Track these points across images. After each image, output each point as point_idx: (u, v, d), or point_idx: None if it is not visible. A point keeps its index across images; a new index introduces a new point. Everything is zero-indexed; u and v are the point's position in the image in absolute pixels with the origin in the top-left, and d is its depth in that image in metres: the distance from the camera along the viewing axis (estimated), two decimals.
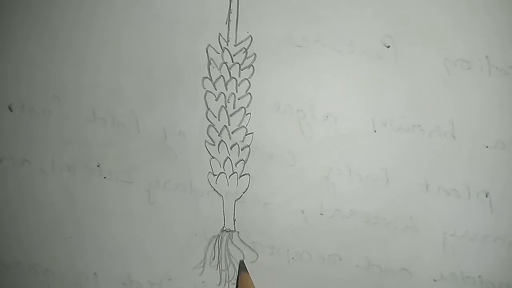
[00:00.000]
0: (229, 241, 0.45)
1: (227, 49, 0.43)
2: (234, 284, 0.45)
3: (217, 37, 0.43)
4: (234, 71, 0.44)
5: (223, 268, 0.45)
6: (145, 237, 0.45)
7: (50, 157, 0.45)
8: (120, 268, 0.45)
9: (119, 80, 0.44)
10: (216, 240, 0.45)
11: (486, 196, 0.42)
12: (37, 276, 0.46)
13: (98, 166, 0.45)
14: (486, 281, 0.43)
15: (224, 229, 0.45)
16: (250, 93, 0.44)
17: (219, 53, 0.43)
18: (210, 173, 0.44)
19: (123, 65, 0.44)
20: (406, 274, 0.44)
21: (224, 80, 0.44)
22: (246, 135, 0.44)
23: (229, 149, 0.44)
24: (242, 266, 0.45)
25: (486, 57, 0.42)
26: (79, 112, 0.44)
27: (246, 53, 0.43)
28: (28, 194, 0.45)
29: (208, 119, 0.44)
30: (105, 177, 0.45)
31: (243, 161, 0.44)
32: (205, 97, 0.44)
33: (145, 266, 0.45)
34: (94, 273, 0.46)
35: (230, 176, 0.44)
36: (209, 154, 0.44)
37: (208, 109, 0.44)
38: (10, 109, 0.45)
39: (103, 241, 0.45)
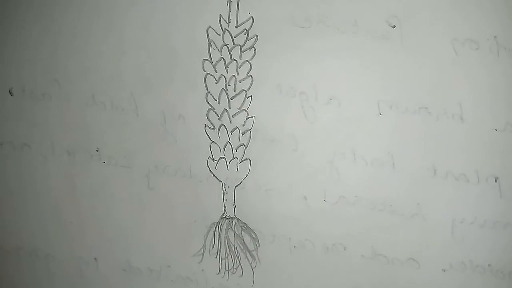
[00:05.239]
0: (229, 228, 0.44)
1: (228, 30, 0.42)
2: (234, 273, 0.44)
3: (218, 18, 0.42)
4: (235, 53, 0.43)
5: (223, 256, 0.44)
6: (144, 223, 0.44)
7: (49, 141, 0.44)
8: (120, 254, 0.45)
9: (118, 63, 0.43)
10: (216, 227, 0.44)
11: (496, 181, 0.40)
12: (38, 261, 0.46)
13: (97, 150, 0.44)
14: (496, 270, 0.41)
15: (224, 216, 0.44)
16: (251, 76, 0.42)
17: (219, 35, 0.43)
18: (209, 158, 0.43)
19: (122, 48, 0.43)
20: (414, 264, 0.42)
21: (225, 62, 0.43)
22: (247, 118, 0.43)
23: (229, 134, 0.43)
24: None
25: (495, 37, 0.40)
26: (79, 96, 0.44)
27: (248, 35, 0.42)
28: (28, 178, 0.45)
29: (208, 103, 0.43)
30: (104, 162, 0.44)
31: (243, 146, 0.43)
32: (205, 79, 0.43)
33: (144, 253, 0.45)
34: (95, 259, 0.45)
35: (230, 161, 0.43)
36: (208, 139, 0.43)
37: (208, 92, 0.43)
38: (10, 93, 0.44)
39: (103, 226, 0.45)
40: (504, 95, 0.40)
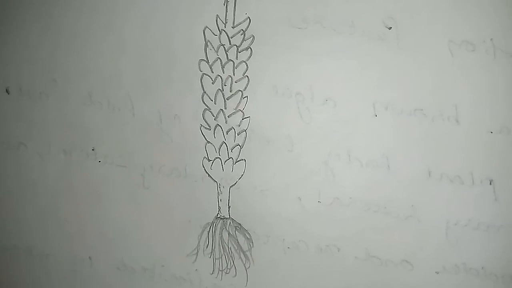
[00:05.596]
0: (224, 228, 0.44)
1: (224, 31, 0.42)
2: (227, 273, 0.44)
3: (215, 19, 0.42)
4: (232, 53, 0.43)
5: (217, 256, 0.44)
6: (139, 222, 0.44)
7: (46, 140, 0.45)
8: (114, 252, 0.45)
9: (115, 63, 0.43)
10: (210, 227, 0.44)
11: (490, 183, 0.40)
12: (33, 259, 0.46)
13: (93, 149, 0.44)
14: (489, 273, 0.41)
15: (218, 216, 0.44)
16: (247, 76, 0.42)
17: (216, 35, 0.43)
18: (205, 158, 0.43)
19: (120, 48, 0.43)
20: (407, 266, 0.42)
21: (221, 63, 0.43)
22: (242, 119, 0.43)
23: (225, 134, 0.43)
24: None
25: (491, 39, 0.40)
26: (76, 96, 0.44)
27: (244, 35, 0.42)
28: (24, 177, 0.45)
29: (204, 103, 0.43)
30: (99, 161, 0.44)
31: (239, 146, 0.43)
32: (201, 79, 0.43)
33: (139, 252, 0.45)
34: (89, 257, 0.45)
35: (226, 161, 0.43)
36: (204, 139, 0.43)
37: (204, 92, 0.43)
38: (7, 92, 0.45)
39: (98, 225, 0.45)
40: (500, 98, 0.40)
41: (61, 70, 0.44)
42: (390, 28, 0.41)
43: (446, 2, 0.40)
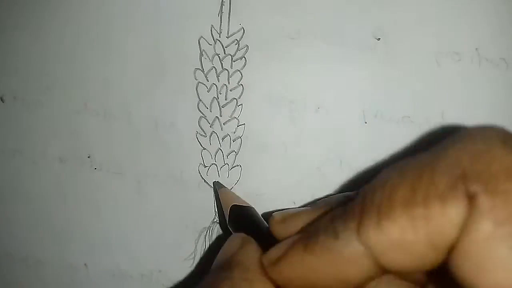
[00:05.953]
0: (220, 233, 0.45)
1: (219, 40, 0.44)
2: None
3: (210, 29, 0.44)
4: (226, 62, 0.44)
5: None
6: (135, 228, 0.45)
7: (41, 148, 0.45)
8: (110, 259, 0.45)
9: (111, 71, 0.44)
10: (206, 232, 0.45)
11: None
12: (28, 267, 0.46)
13: (88, 157, 0.45)
14: None
15: (214, 221, 0.45)
16: (242, 85, 0.44)
17: (211, 45, 0.44)
18: (201, 164, 0.44)
19: (115, 56, 0.44)
20: None
21: (216, 72, 0.44)
22: (237, 126, 0.44)
23: (220, 141, 0.44)
24: (218, 186, 0.44)
25: (476, 49, 0.42)
26: (71, 104, 0.45)
27: (238, 45, 0.44)
28: (19, 185, 0.45)
29: (200, 110, 0.44)
30: (95, 168, 0.45)
31: (234, 153, 0.44)
32: (196, 88, 0.44)
33: (135, 258, 0.45)
34: (85, 264, 0.46)
35: (221, 167, 0.44)
36: (200, 146, 0.44)
37: (200, 100, 0.44)
38: (2, 100, 0.45)
39: (94, 232, 0.45)
40: (485, 105, 0.42)
41: (56, 78, 0.44)
42: (379, 39, 0.42)
43: (433, 13, 0.42)
